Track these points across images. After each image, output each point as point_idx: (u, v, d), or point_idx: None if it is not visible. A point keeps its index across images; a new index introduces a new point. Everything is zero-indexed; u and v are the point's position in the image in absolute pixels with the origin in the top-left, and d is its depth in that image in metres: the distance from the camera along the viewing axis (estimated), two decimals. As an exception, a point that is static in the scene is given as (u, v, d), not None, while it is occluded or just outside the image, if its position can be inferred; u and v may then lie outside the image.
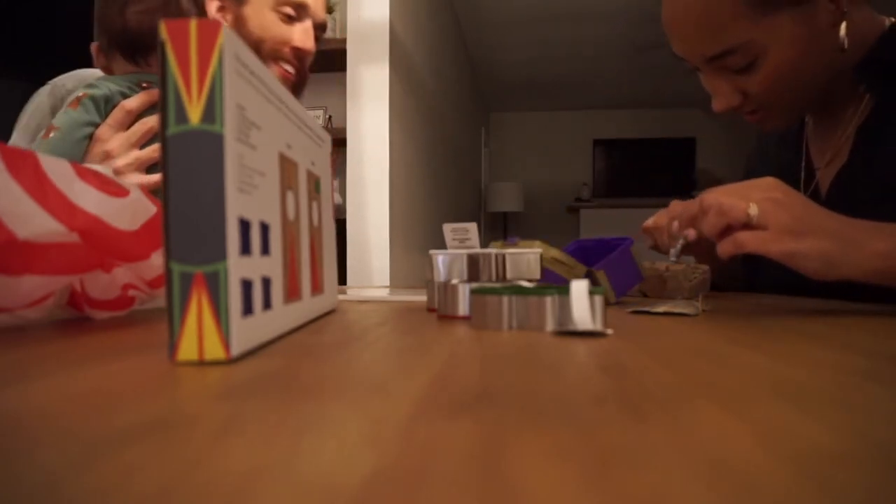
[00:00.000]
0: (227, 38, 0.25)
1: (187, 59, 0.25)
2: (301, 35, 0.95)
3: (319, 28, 1.00)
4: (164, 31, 0.25)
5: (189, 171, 0.24)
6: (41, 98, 1.04)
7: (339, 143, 1.97)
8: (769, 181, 0.55)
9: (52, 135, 0.79)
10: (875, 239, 0.52)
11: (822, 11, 0.63)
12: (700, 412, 0.18)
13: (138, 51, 0.89)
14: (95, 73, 1.01)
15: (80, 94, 0.82)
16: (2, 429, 0.16)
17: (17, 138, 1.03)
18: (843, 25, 0.63)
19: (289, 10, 0.94)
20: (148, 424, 0.16)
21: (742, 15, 0.62)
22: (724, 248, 0.52)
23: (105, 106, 0.82)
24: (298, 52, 0.95)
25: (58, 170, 0.34)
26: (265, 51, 0.93)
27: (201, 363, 0.25)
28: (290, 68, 0.96)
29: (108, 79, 0.86)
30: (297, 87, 0.99)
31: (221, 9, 0.92)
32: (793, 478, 0.12)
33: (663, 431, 0.16)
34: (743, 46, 0.63)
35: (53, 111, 0.98)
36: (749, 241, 0.51)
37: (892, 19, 0.70)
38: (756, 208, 0.51)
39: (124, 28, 0.88)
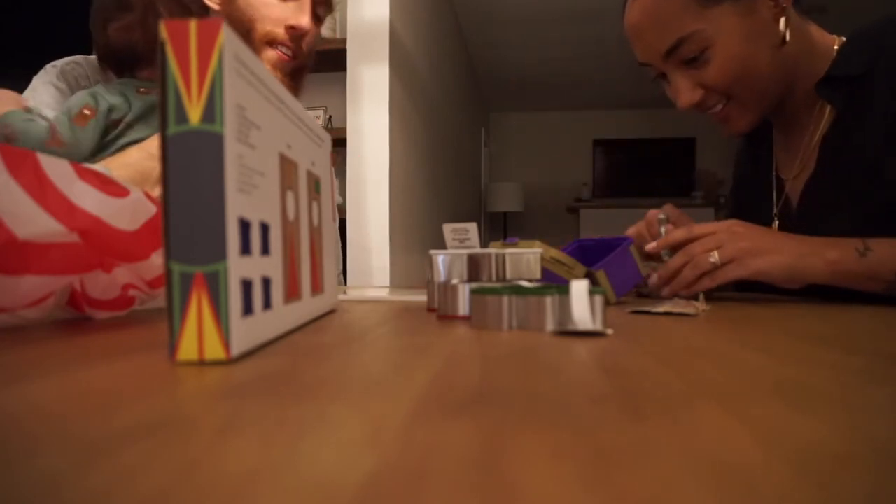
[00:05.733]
0: (227, 38, 0.25)
1: (187, 59, 0.25)
2: (296, 13, 0.89)
3: (322, 4, 0.94)
4: (164, 31, 0.25)
5: (189, 171, 0.24)
6: (52, 78, 0.96)
7: (339, 143, 1.97)
8: (730, 221, 0.67)
9: (56, 148, 0.80)
10: (826, 249, 0.64)
11: (763, 7, 0.69)
12: (700, 412, 0.18)
13: (124, 65, 0.90)
14: (94, 58, 0.98)
15: (87, 110, 0.82)
16: (2, 429, 0.16)
17: (52, 94, 0.93)
18: (783, 20, 0.70)
19: None
20: (148, 424, 0.16)
21: (688, 8, 0.70)
22: (703, 286, 0.65)
23: (105, 118, 0.83)
24: (293, 32, 0.89)
25: (58, 170, 0.34)
26: (258, 34, 0.88)
27: (201, 363, 0.25)
28: (286, 51, 0.90)
29: (108, 88, 0.86)
30: (297, 70, 0.94)
31: None
32: (793, 478, 0.12)
33: (663, 431, 0.16)
34: (692, 36, 0.70)
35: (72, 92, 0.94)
36: (718, 277, 0.64)
37: (842, 38, 0.76)
38: (717, 255, 0.64)
39: (107, 44, 0.88)
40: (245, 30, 0.88)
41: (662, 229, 0.71)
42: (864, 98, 0.71)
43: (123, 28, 0.86)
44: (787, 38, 0.70)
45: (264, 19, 0.88)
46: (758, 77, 0.72)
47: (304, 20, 0.90)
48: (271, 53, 0.90)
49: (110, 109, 0.83)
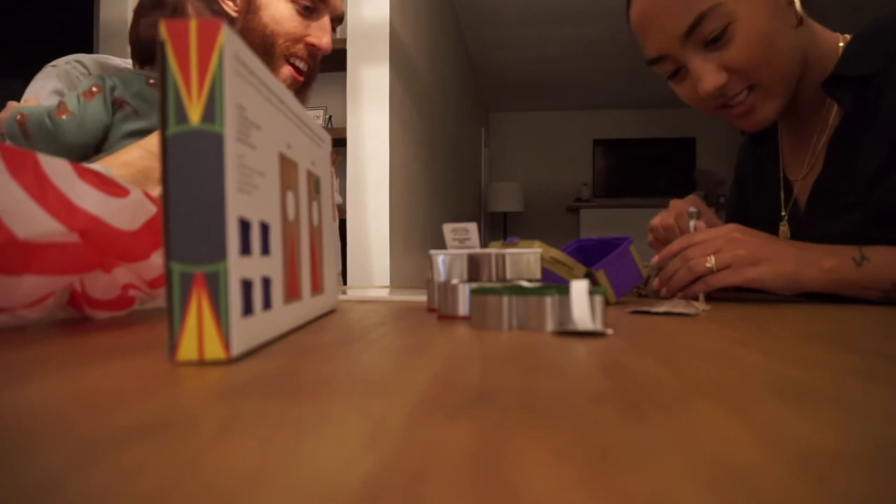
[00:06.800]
0: (227, 37, 0.25)
1: (187, 58, 0.25)
2: (318, 32, 0.91)
3: (337, 20, 0.95)
4: (163, 30, 0.25)
5: (189, 171, 0.24)
6: (52, 79, 0.98)
7: (339, 143, 1.97)
8: (729, 226, 0.67)
9: (65, 117, 0.82)
10: (823, 258, 0.64)
11: None
12: (700, 412, 0.18)
13: (147, 60, 0.94)
14: (98, 57, 1.01)
15: (94, 87, 0.85)
16: (2, 429, 0.16)
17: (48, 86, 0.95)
18: (798, 1, 0.70)
19: (306, 2, 0.89)
20: (148, 424, 0.16)
21: None
22: (697, 289, 0.65)
23: (111, 93, 0.86)
24: (313, 50, 0.91)
25: (58, 170, 0.34)
26: (278, 48, 0.89)
27: (201, 363, 0.25)
28: (302, 66, 0.92)
29: (117, 74, 0.89)
30: (305, 84, 0.95)
31: None
32: (793, 478, 0.12)
33: (663, 431, 0.16)
34: (713, 10, 0.67)
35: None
36: (713, 282, 0.65)
37: (846, 36, 0.75)
38: (713, 259, 0.64)
39: (137, 39, 0.93)
40: (269, 43, 0.89)
41: (692, 223, 0.70)
42: (874, 99, 0.70)
43: (152, 24, 0.91)
44: (802, 21, 0.70)
45: (287, 35, 0.90)
46: (781, 55, 0.69)
47: (326, 40, 0.92)
48: (286, 71, 0.91)
49: (114, 88, 0.86)
